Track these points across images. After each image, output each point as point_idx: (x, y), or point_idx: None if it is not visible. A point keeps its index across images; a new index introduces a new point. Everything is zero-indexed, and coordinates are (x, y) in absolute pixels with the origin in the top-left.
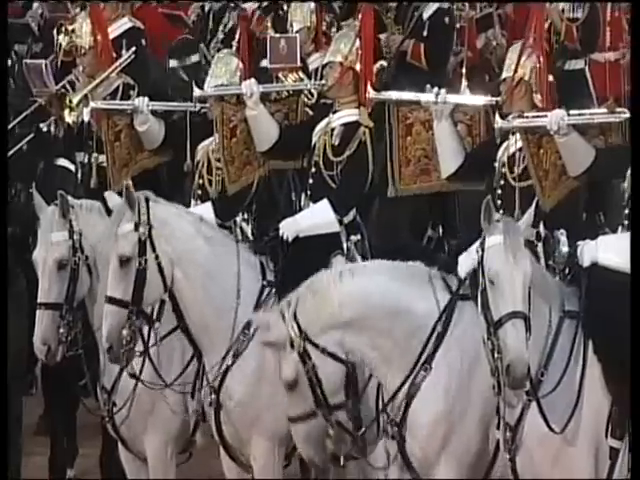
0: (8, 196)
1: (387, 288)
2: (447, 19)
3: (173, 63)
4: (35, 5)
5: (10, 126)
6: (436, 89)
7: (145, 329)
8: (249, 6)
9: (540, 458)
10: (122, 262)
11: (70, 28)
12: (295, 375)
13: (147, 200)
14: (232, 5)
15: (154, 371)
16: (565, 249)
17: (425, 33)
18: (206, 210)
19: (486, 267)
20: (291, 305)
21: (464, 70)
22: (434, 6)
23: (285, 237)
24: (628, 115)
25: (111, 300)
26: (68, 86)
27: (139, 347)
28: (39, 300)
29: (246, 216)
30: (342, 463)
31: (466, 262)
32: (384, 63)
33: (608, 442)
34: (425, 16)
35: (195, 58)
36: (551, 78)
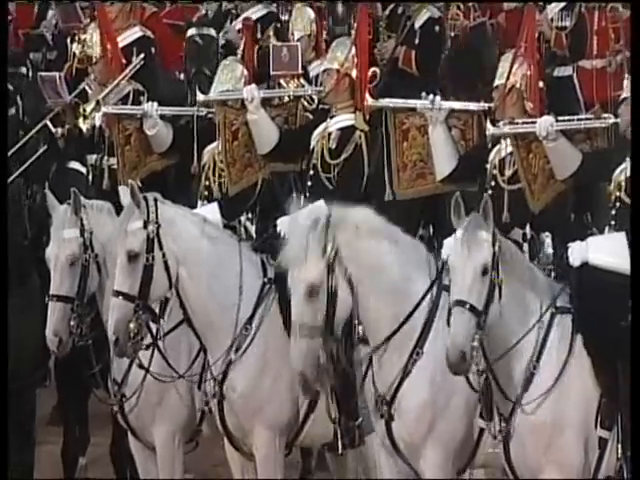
0: (23, 198)
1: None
2: (437, 28)
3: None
4: (49, 16)
5: (25, 139)
6: (431, 96)
7: (151, 323)
8: (252, 12)
9: (532, 447)
10: (130, 258)
11: (82, 37)
12: (320, 280)
13: (156, 201)
14: (233, 12)
15: (165, 363)
16: (550, 251)
17: (417, 41)
18: (212, 210)
19: (447, 258)
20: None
21: None
22: (425, 15)
23: (283, 235)
24: (614, 120)
25: (118, 294)
26: (81, 95)
27: (145, 343)
28: (51, 292)
29: (250, 216)
30: (340, 452)
31: (448, 246)
32: (377, 70)
33: (597, 432)
34: (417, 25)
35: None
36: (541, 84)
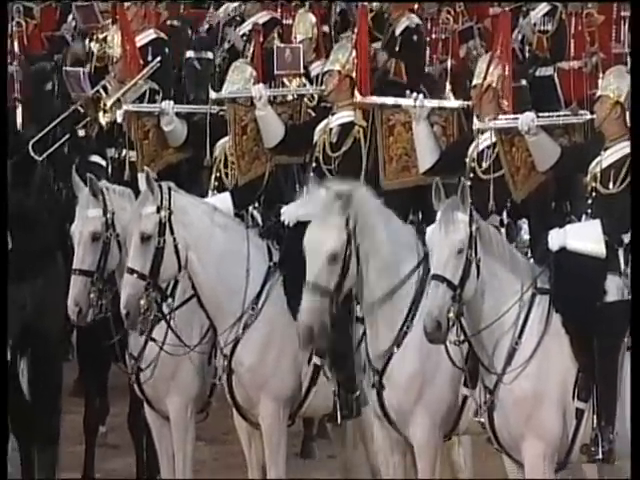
0: (46, 193)
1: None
2: (415, 37)
3: (189, 54)
4: (69, 19)
5: (49, 128)
6: (415, 94)
7: (162, 301)
8: (257, 18)
9: (515, 418)
10: (143, 239)
11: (101, 37)
12: (341, 249)
13: (169, 189)
14: (238, 19)
15: (177, 339)
16: (526, 236)
17: (397, 48)
18: (224, 200)
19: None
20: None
21: (448, 76)
22: (404, 24)
23: (287, 222)
24: (590, 117)
25: (131, 271)
26: (102, 91)
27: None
28: (74, 266)
29: (257, 205)
30: (339, 422)
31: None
32: None
33: (574, 404)
34: (397, 32)
35: (209, 55)
36: (524, 82)
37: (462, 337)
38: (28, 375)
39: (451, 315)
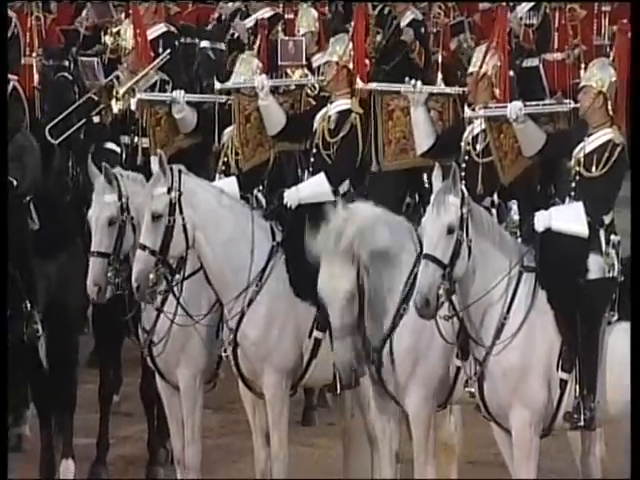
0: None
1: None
2: (422, 29)
3: (204, 44)
4: (83, 13)
5: (64, 115)
6: (413, 81)
7: (170, 277)
8: (262, 13)
9: (503, 388)
10: (154, 218)
11: (114, 30)
12: (354, 287)
13: (180, 171)
14: (243, 10)
15: (184, 313)
16: (516, 217)
17: (402, 38)
18: (231, 183)
19: None
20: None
21: (440, 66)
22: (410, 17)
23: (289, 205)
24: (573, 105)
25: (143, 247)
26: (115, 80)
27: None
28: (92, 249)
29: (261, 188)
30: (338, 392)
31: None
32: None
33: (558, 375)
34: (402, 24)
35: (222, 46)
36: (511, 73)
37: (452, 313)
38: (47, 347)
39: (441, 292)
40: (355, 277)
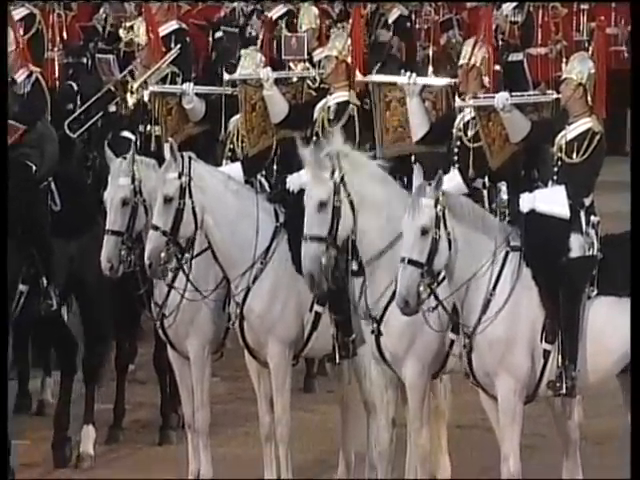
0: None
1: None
2: (408, 24)
3: (219, 34)
4: (101, 11)
5: (84, 107)
6: (408, 73)
7: (180, 255)
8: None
9: (490, 358)
10: (166, 200)
11: (128, 25)
12: (327, 198)
13: (190, 158)
14: (259, 8)
15: (194, 288)
16: (505, 197)
17: (390, 34)
18: (236, 168)
19: None
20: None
21: (431, 60)
22: (396, 13)
23: (292, 189)
24: (556, 96)
25: (155, 228)
26: (129, 75)
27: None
28: (107, 227)
29: (265, 173)
30: (337, 361)
31: None
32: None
33: (542, 346)
34: (390, 20)
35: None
36: (498, 67)
37: (434, 304)
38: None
39: (422, 289)
40: (330, 191)
